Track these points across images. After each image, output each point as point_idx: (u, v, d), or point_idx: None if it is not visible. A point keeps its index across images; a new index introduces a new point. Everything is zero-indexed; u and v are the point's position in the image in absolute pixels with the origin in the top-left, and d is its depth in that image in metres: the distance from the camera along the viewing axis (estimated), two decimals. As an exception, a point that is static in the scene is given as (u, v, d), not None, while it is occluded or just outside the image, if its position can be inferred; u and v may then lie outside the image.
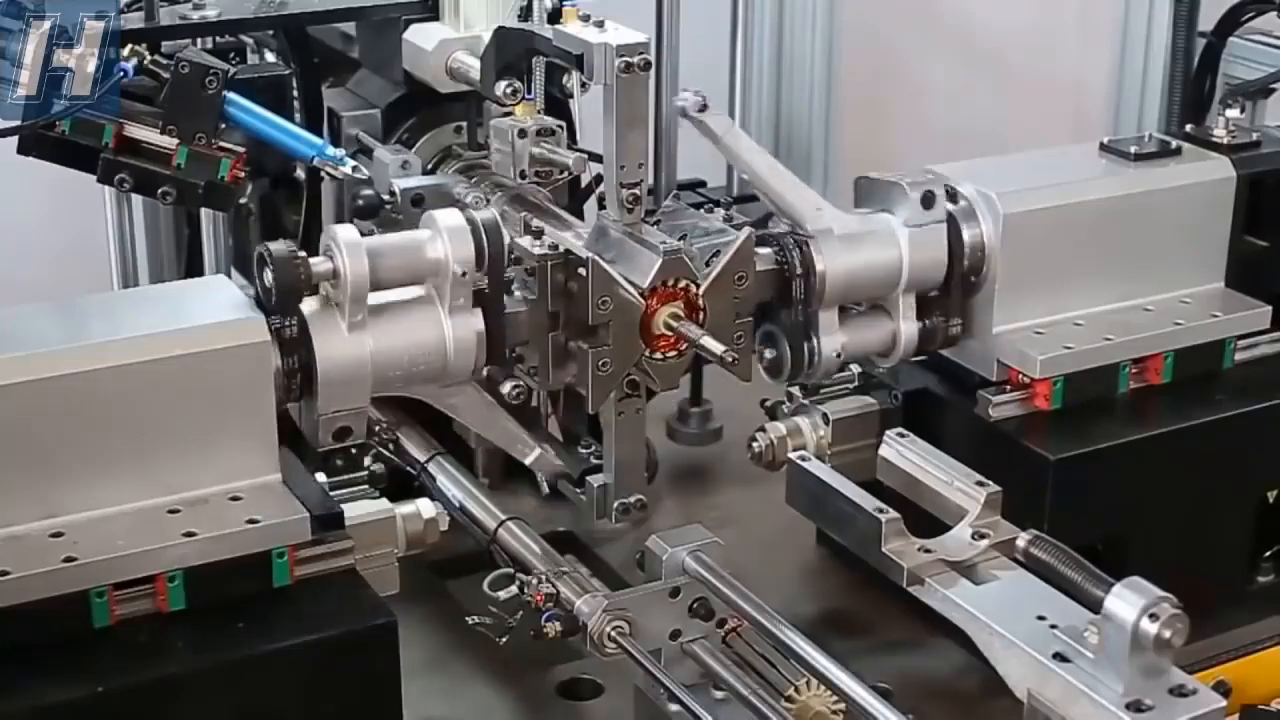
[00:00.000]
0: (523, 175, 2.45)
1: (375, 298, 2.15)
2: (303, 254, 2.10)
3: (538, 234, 2.33)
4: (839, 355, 2.44)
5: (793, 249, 2.39)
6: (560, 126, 2.51)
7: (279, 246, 2.10)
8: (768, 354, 2.46)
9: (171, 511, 2.00)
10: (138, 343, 1.99)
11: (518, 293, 2.29)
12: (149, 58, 2.35)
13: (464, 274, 2.18)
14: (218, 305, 2.10)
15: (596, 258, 2.24)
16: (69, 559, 1.90)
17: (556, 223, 2.44)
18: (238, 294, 2.16)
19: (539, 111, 2.54)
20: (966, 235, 2.47)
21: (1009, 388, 2.48)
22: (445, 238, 2.18)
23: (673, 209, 2.49)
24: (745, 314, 2.36)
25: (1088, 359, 2.49)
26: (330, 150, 2.40)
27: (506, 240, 2.23)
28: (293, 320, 2.09)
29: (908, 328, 2.47)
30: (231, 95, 2.36)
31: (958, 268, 2.47)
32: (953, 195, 2.50)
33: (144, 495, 2.00)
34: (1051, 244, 2.52)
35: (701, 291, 2.29)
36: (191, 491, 2.02)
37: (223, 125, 2.36)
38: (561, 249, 2.30)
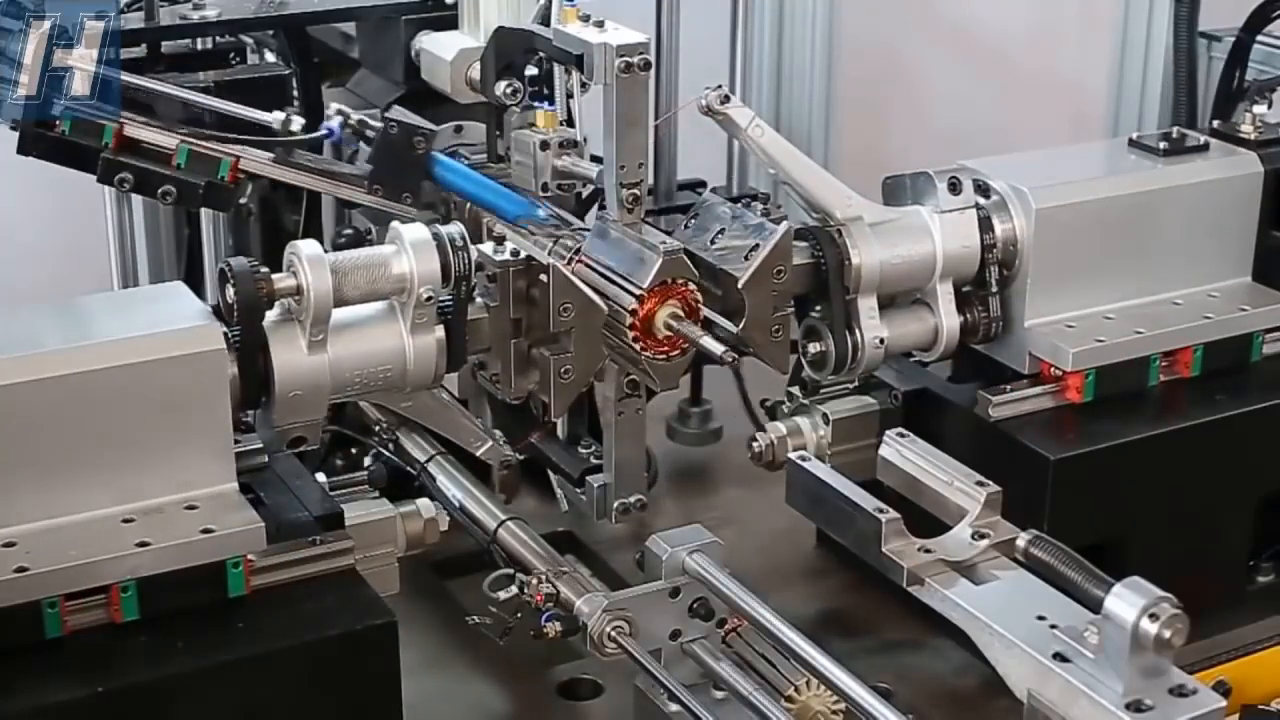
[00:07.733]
0: (544, 188, 2.44)
1: (337, 313, 2.11)
2: (265, 269, 2.06)
3: (499, 240, 2.31)
4: (881, 344, 2.43)
5: (827, 240, 2.39)
6: (583, 138, 2.48)
7: (240, 262, 2.06)
8: (812, 348, 2.45)
9: (126, 521, 1.97)
10: (91, 350, 1.96)
11: (479, 299, 2.27)
12: (354, 116, 2.38)
13: (429, 298, 2.13)
14: (174, 312, 2.06)
15: (557, 264, 2.23)
16: (20, 569, 1.87)
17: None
18: (195, 301, 2.12)
19: (561, 122, 2.49)
20: (999, 229, 2.48)
21: (1009, 388, 2.49)
22: (410, 254, 2.13)
23: (709, 203, 2.48)
24: (783, 307, 2.36)
25: (1119, 352, 2.50)
26: (540, 211, 2.40)
27: (474, 255, 2.19)
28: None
29: (949, 321, 2.47)
30: (439, 156, 2.41)
31: (991, 259, 2.48)
32: (984, 189, 2.51)
33: (98, 504, 1.97)
34: (1082, 238, 2.53)
35: (741, 284, 2.30)
36: (147, 500, 1.99)
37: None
38: (523, 255, 2.29)
